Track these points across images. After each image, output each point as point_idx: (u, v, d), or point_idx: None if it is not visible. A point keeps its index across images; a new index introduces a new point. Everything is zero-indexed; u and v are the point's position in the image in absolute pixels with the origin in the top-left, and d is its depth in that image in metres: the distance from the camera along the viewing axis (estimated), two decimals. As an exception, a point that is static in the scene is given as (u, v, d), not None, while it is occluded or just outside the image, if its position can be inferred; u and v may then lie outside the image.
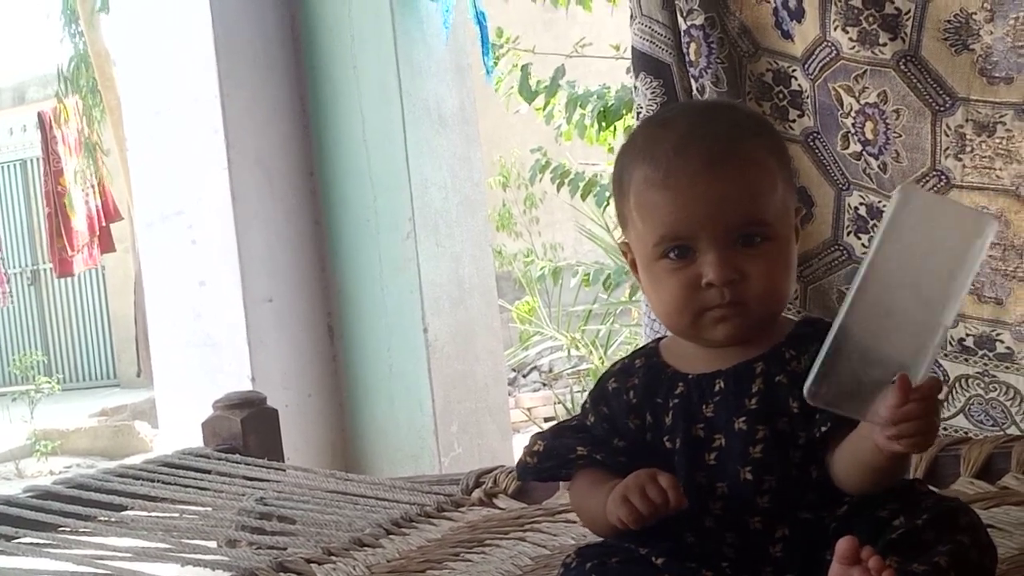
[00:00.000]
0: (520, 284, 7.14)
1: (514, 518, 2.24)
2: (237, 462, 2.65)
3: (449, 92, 3.86)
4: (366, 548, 2.13)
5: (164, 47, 3.63)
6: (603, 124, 4.91)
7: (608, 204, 5.32)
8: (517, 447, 3.83)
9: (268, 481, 2.56)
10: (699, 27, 2.71)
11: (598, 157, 5.61)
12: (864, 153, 2.57)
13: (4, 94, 14.64)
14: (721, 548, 1.40)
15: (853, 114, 2.56)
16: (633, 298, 5.42)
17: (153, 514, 2.37)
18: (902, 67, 2.49)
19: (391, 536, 2.21)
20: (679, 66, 2.76)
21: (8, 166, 15.65)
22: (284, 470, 2.68)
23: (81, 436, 9.77)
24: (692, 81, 2.75)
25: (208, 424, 2.79)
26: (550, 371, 8.45)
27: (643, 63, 2.80)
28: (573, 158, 5.55)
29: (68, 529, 2.27)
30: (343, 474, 2.75)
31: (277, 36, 3.72)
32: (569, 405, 6.27)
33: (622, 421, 1.50)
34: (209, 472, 2.58)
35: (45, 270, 14.71)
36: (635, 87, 2.85)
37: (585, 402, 1.58)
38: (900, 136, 2.51)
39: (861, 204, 2.64)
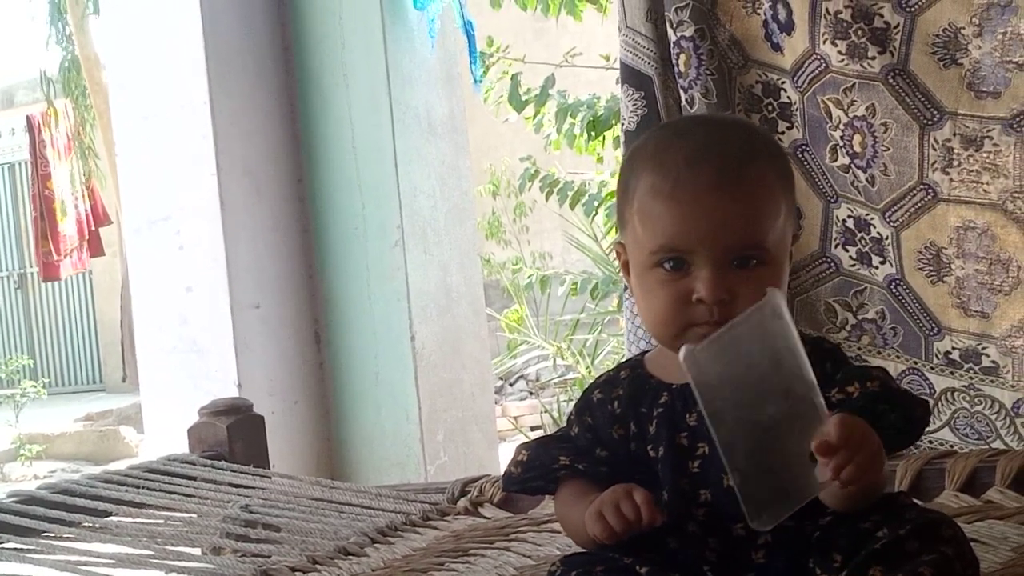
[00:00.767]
0: (508, 293, 7.14)
1: (499, 527, 2.24)
2: (223, 469, 2.64)
3: (439, 100, 3.86)
4: (351, 556, 2.13)
5: (154, 52, 3.62)
6: (592, 134, 4.92)
7: (596, 214, 5.33)
8: (503, 456, 3.82)
9: (253, 488, 2.55)
10: (689, 38, 2.71)
11: (587, 166, 5.62)
12: (852, 166, 2.58)
13: (-7, 97, 14.64)
14: (704, 553, 1.41)
15: (841, 127, 2.57)
16: (621, 308, 5.42)
17: (138, 520, 2.36)
18: (890, 81, 2.50)
19: (376, 545, 2.20)
20: (661, 79, 2.77)
21: (-4, 169, 15.64)
22: (270, 477, 2.67)
23: (66, 441, 9.75)
24: (681, 92, 2.76)
25: (194, 430, 2.79)
26: (537, 380, 8.45)
27: (626, 74, 2.81)
28: (562, 167, 5.56)
29: (52, 534, 2.26)
30: (328, 482, 2.74)
31: (267, 43, 3.72)
32: (555, 414, 6.27)
33: (606, 431, 1.51)
34: (194, 479, 2.58)
35: (32, 274, 14.68)
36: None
37: (570, 413, 1.59)
38: (888, 149, 2.52)
39: (849, 217, 2.65)
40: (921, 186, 2.51)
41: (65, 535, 2.27)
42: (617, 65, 2.95)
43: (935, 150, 2.48)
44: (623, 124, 2.86)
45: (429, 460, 3.65)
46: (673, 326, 1.43)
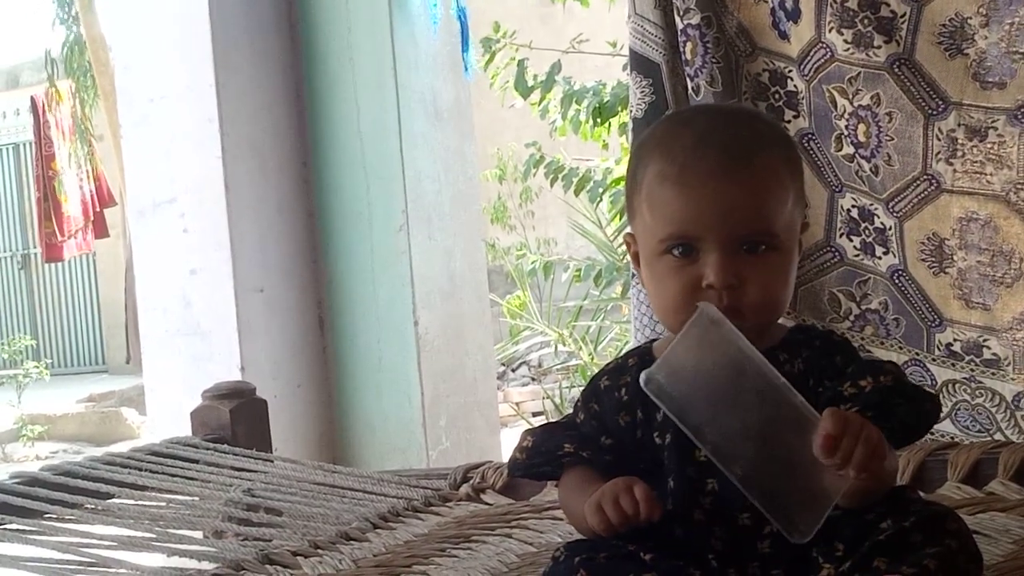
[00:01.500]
0: (511, 278, 7.14)
1: (501, 514, 2.24)
2: (225, 452, 2.64)
3: (444, 85, 3.86)
4: (352, 542, 2.13)
5: (160, 34, 3.62)
6: (598, 120, 4.92)
7: (601, 200, 5.33)
8: (505, 442, 3.83)
9: (256, 472, 2.56)
10: (695, 26, 2.71)
11: (592, 153, 5.62)
12: (857, 155, 2.58)
13: (-2, 77, 14.63)
14: (709, 541, 1.41)
15: (846, 116, 2.57)
16: (625, 295, 5.42)
17: (140, 503, 2.36)
18: (896, 70, 2.50)
19: (378, 530, 2.21)
20: (669, 66, 2.77)
21: (0, 150, 15.63)
22: (272, 461, 2.67)
23: (69, 422, 9.76)
24: (687, 80, 2.75)
25: (197, 413, 2.79)
26: (539, 366, 8.46)
27: (635, 61, 2.81)
28: (567, 153, 5.55)
29: (54, 516, 2.27)
30: (331, 466, 2.75)
31: (274, 25, 3.72)
32: (558, 400, 6.27)
33: (612, 418, 1.51)
34: (197, 462, 2.58)
35: (35, 254, 14.70)
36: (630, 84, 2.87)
37: (577, 400, 1.59)
38: (892, 139, 2.52)
39: (853, 206, 2.65)
40: (925, 176, 2.51)
41: (67, 517, 2.27)
42: (624, 52, 2.95)
43: (939, 140, 2.47)
44: (631, 111, 2.86)
45: (431, 445, 3.65)
46: (683, 313, 1.42)
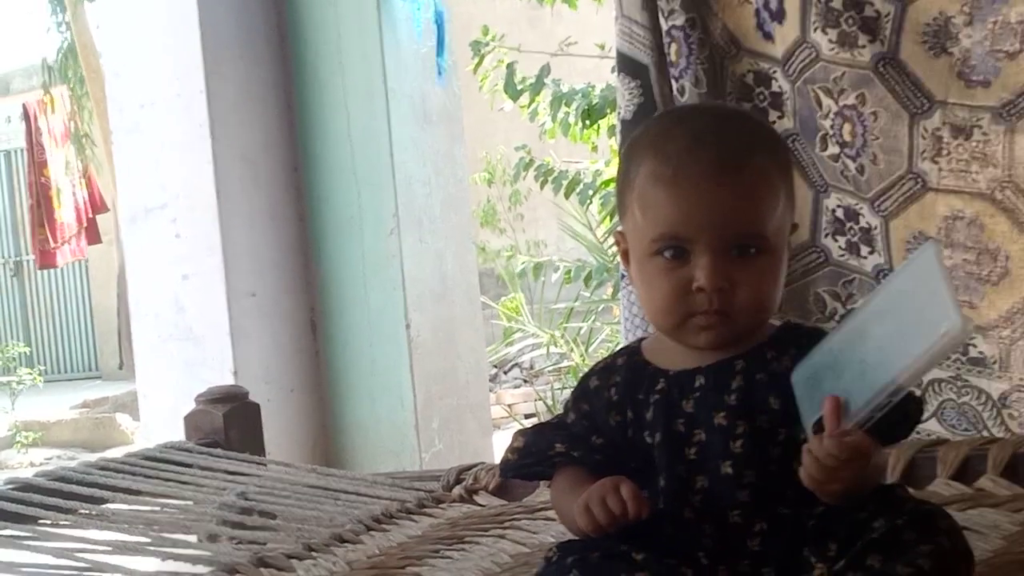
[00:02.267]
0: (502, 280, 7.15)
1: (494, 515, 2.24)
2: (218, 456, 2.64)
3: (434, 89, 3.87)
4: (346, 544, 2.13)
5: (150, 40, 3.63)
6: (587, 122, 4.93)
7: (590, 202, 5.34)
8: (498, 444, 3.84)
9: (249, 476, 2.56)
10: (680, 27, 2.72)
11: (582, 155, 5.63)
12: (842, 155, 2.59)
13: (-11, 84, 14.59)
14: (699, 539, 1.42)
15: (831, 116, 2.58)
16: (615, 296, 5.43)
17: (134, 507, 2.37)
18: (880, 69, 2.51)
19: (371, 532, 2.21)
20: (657, 68, 2.78)
21: (-8, 156, 15.60)
22: (265, 465, 2.68)
23: (62, 428, 9.74)
24: (672, 82, 2.76)
25: (190, 418, 2.79)
26: (531, 368, 8.45)
27: (623, 63, 2.82)
28: (557, 156, 5.56)
29: (48, 522, 2.27)
30: (324, 469, 2.75)
31: (263, 31, 3.73)
32: (550, 402, 6.28)
33: (602, 418, 1.51)
34: (190, 466, 2.58)
35: (28, 261, 14.66)
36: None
37: (567, 400, 1.59)
38: (877, 138, 2.53)
39: (839, 206, 2.66)
40: (910, 175, 2.52)
41: (61, 522, 2.27)
42: (612, 54, 2.96)
43: (924, 139, 2.49)
44: (619, 113, 2.86)
45: (424, 448, 3.66)
46: (673, 315, 1.44)
